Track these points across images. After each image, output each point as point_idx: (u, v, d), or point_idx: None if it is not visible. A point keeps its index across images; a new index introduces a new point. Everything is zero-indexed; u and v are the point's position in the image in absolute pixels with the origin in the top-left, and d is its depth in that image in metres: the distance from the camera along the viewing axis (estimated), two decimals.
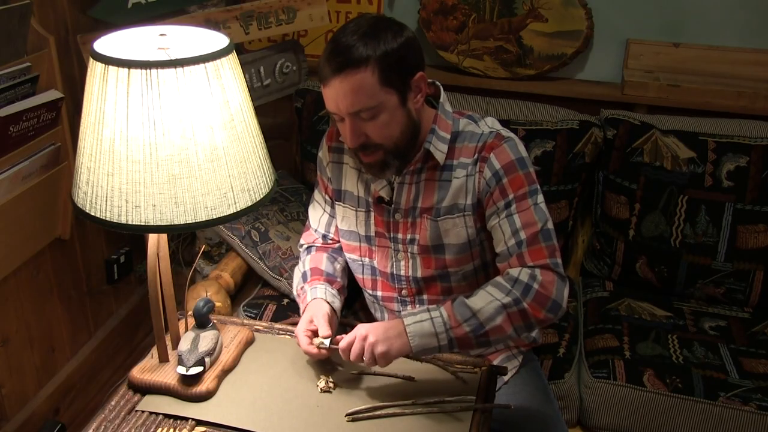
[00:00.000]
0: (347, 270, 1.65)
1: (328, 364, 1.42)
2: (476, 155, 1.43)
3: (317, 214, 1.66)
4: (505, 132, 1.46)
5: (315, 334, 1.40)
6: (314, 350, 1.38)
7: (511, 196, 1.40)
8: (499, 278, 1.36)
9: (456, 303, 1.33)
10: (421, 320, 1.31)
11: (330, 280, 1.56)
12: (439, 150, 1.44)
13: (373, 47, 1.30)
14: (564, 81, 2.38)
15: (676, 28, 2.28)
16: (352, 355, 1.31)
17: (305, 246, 1.68)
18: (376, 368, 1.36)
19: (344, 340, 1.33)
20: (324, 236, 1.65)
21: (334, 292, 1.54)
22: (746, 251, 2.04)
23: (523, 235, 1.38)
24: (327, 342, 1.37)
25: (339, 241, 1.64)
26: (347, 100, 1.32)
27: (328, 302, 1.49)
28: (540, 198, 1.42)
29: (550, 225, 1.40)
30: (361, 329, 1.32)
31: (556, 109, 2.18)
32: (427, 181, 1.47)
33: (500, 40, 2.32)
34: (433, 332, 1.30)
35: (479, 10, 2.32)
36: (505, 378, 1.59)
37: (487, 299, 1.32)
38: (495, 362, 1.57)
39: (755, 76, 2.22)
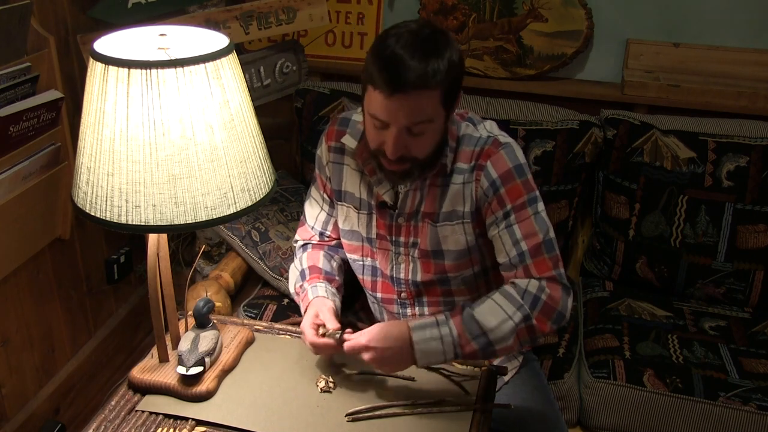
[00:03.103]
0: (344, 268, 1.65)
1: (328, 364, 1.42)
2: (473, 161, 1.42)
3: (314, 212, 1.65)
4: (503, 137, 1.44)
5: (321, 327, 1.39)
6: (321, 341, 1.36)
7: (509, 206, 1.39)
8: (508, 288, 1.36)
9: (466, 317, 1.32)
10: (431, 338, 1.30)
11: (329, 278, 1.56)
12: (449, 160, 1.43)
13: (444, 68, 1.27)
14: (564, 81, 2.38)
15: (676, 28, 2.28)
16: (356, 358, 1.32)
17: (301, 243, 1.67)
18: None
19: (349, 344, 1.32)
20: (321, 233, 1.65)
21: (334, 290, 1.53)
22: (746, 251, 2.04)
23: (525, 246, 1.37)
24: (337, 335, 1.36)
25: (336, 239, 1.64)
26: (407, 117, 1.29)
27: (330, 300, 1.49)
28: (540, 206, 1.41)
29: (551, 234, 1.40)
30: (368, 349, 1.31)
31: (556, 109, 2.18)
32: (430, 186, 1.46)
33: (500, 40, 2.32)
34: (441, 351, 1.30)
35: (479, 10, 2.32)
36: (505, 378, 1.59)
37: (499, 316, 1.31)
38: (495, 362, 1.57)
39: (755, 76, 2.22)
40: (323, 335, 1.36)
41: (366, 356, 1.31)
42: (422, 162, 1.38)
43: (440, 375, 1.40)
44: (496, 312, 1.32)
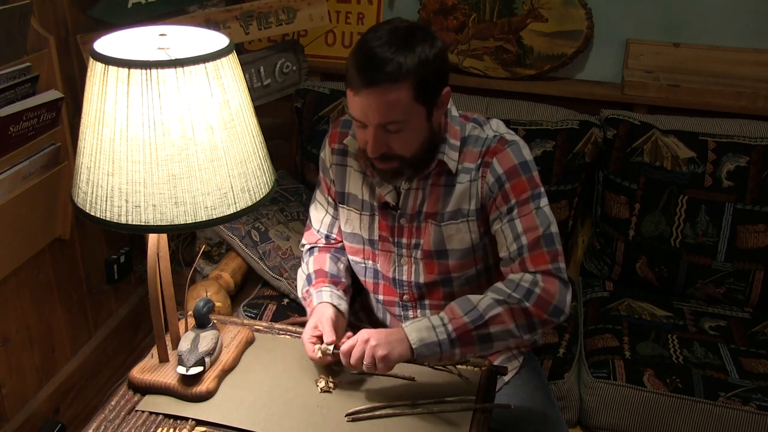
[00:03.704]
0: (351, 269, 1.65)
1: (328, 364, 1.42)
2: (480, 160, 1.43)
3: (319, 215, 1.65)
4: (509, 135, 1.45)
5: (320, 339, 1.39)
6: (318, 357, 1.37)
7: (513, 201, 1.39)
8: (499, 283, 1.36)
9: (456, 300, 1.35)
10: (419, 319, 1.33)
11: (335, 281, 1.56)
12: (452, 159, 1.43)
13: (412, 62, 1.27)
14: (564, 81, 2.38)
15: (676, 28, 2.28)
16: (353, 359, 1.31)
17: (308, 246, 1.67)
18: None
19: (345, 344, 1.33)
20: (327, 237, 1.65)
21: (340, 293, 1.53)
22: (746, 251, 2.04)
23: (524, 240, 1.37)
24: (331, 348, 1.36)
25: (341, 241, 1.64)
26: (379, 113, 1.30)
27: (334, 305, 1.48)
28: (543, 202, 1.41)
29: (553, 229, 1.39)
30: (363, 334, 1.32)
31: (556, 109, 2.18)
32: (433, 186, 1.46)
33: (500, 40, 2.32)
34: (430, 325, 1.30)
35: (479, 10, 2.32)
36: (506, 378, 1.59)
37: (489, 298, 1.33)
38: (495, 362, 1.57)
39: (755, 76, 2.22)
40: (321, 352, 1.37)
41: (361, 336, 1.31)
42: (410, 160, 1.38)
43: (441, 370, 1.40)
44: (486, 297, 1.34)
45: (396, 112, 1.29)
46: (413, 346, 1.29)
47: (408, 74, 1.27)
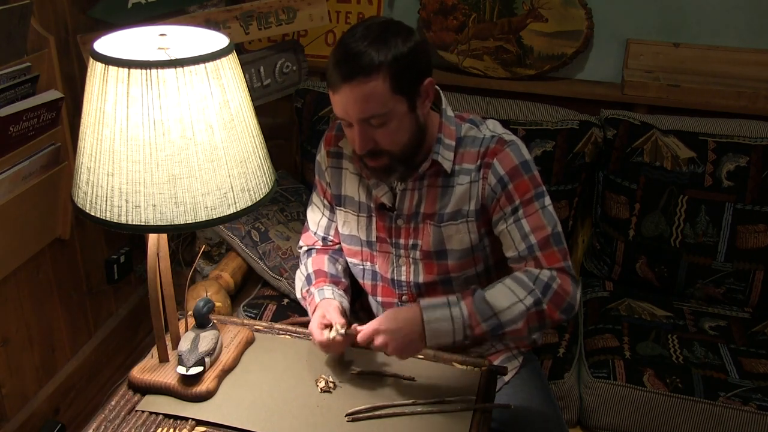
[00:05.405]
0: (349, 270, 1.65)
1: (328, 364, 1.42)
2: (479, 161, 1.43)
3: (316, 217, 1.65)
4: (507, 136, 1.45)
5: (328, 327, 1.39)
6: (326, 339, 1.36)
7: (517, 201, 1.40)
8: (520, 274, 1.37)
9: (477, 298, 1.33)
10: (441, 318, 1.31)
11: (335, 281, 1.56)
12: (446, 159, 1.43)
13: (385, 54, 1.28)
14: (564, 81, 2.38)
15: (676, 28, 2.28)
16: (374, 348, 1.33)
17: (305, 248, 1.67)
18: (377, 368, 1.37)
19: (362, 335, 1.33)
20: (324, 239, 1.65)
21: (341, 292, 1.53)
22: (746, 251, 2.04)
23: (533, 239, 1.38)
24: (343, 330, 1.36)
25: (339, 243, 1.64)
26: (358, 107, 1.31)
27: (336, 301, 1.49)
28: (547, 200, 1.42)
29: (559, 228, 1.41)
30: (380, 332, 1.32)
31: (556, 109, 2.18)
32: (429, 187, 1.46)
33: (500, 40, 2.32)
34: (451, 331, 1.31)
35: (479, 10, 2.32)
36: (506, 378, 1.59)
37: (510, 299, 1.33)
38: (495, 362, 1.57)
39: (755, 76, 2.22)
40: (332, 336, 1.36)
41: (378, 340, 1.31)
42: (400, 155, 1.38)
43: (442, 363, 1.40)
44: (507, 295, 1.33)
45: (375, 104, 1.30)
46: (428, 346, 1.32)
47: (381, 66, 1.28)
